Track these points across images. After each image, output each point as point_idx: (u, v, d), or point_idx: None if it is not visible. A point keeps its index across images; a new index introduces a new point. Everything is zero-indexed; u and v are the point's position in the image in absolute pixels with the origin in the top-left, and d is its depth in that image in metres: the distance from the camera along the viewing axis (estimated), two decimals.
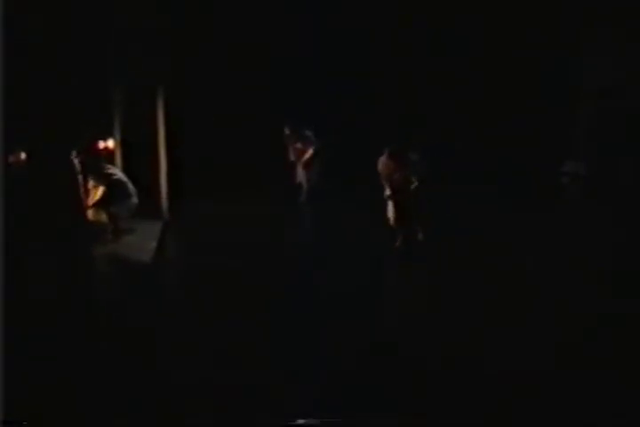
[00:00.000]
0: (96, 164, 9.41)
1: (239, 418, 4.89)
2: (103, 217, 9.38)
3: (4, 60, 8.10)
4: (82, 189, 9.65)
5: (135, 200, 9.59)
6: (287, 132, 10.52)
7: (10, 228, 7.34)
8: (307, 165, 10.36)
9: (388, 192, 8.19)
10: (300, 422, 4.75)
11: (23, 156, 9.90)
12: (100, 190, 9.29)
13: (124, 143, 10.56)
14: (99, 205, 9.32)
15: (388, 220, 8.35)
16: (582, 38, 11.50)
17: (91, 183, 9.38)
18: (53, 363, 5.71)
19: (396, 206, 8.19)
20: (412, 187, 8.07)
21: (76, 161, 9.21)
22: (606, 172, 10.83)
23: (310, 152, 10.35)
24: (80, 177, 9.61)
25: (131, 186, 9.58)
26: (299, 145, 10.45)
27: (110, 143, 9.91)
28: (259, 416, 4.86)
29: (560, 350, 5.97)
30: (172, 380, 5.51)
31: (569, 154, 11.21)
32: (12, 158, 9.70)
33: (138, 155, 10.48)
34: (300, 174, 10.47)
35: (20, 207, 8.57)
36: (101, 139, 10.43)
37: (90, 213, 9.29)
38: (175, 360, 5.86)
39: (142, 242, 9.49)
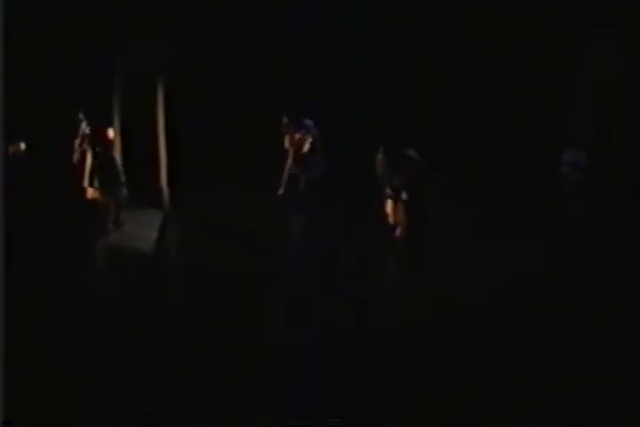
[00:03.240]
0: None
1: (239, 418, 4.91)
2: (100, 196, 9.38)
3: (4, 53, 8.10)
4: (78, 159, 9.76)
5: (125, 191, 9.58)
6: (285, 120, 10.46)
7: (11, 219, 7.37)
8: (304, 156, 10.31)
9: (388, 191, 8.12)
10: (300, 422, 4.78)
11: (23, 146, 9.94)
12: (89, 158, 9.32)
13: (123, 133, 10.54)
14: (93, 176, 9.30)
15: (386, 215, 8.31)
16: (582, 26, 11.44)
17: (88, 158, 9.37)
18: (54, 356, 5.72)
19: (396, 204, 8.14)
20: (412, 185, 7.98)
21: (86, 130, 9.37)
22: (606, 161, 10.84)
23: (309, 142, 10.30)
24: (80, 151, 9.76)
25: (122, 177, 9.58)
26: (297, 135, 10.39)
27: (110, 133, 9.89)
28: (258, 416, 4.88)
29: (573, 352, 5.94)
30: (173, 374, 5.52)
31: (569, 143, 11.19)
32: (11, 149, 9.74)
33: (138, 145, 10.46)
34: (297, 165, 10.43)
35: (21, 198, 8.61)
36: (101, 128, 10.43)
37: (89, 192, 9.32)
38: (175, 353, 5.86)
39: (143, 232, 9.51)
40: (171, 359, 5.69)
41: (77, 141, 10.07)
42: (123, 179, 9.44)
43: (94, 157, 9.21)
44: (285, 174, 10.58)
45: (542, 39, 11.36)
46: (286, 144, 10.56)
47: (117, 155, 9.97)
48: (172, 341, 6.06)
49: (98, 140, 9.32)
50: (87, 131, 9.67)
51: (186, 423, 4.83)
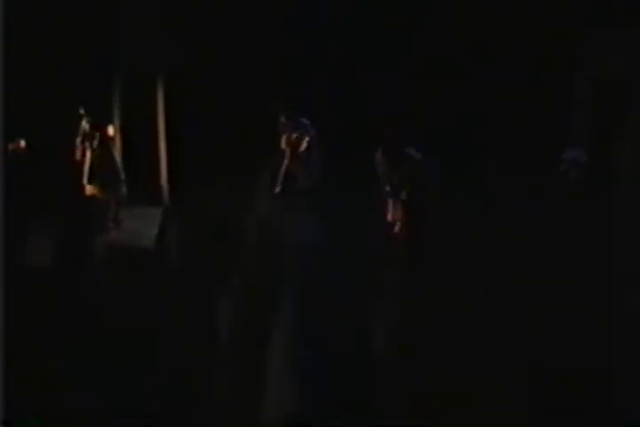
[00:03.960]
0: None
1: (239, 418, 4.91)
2: (100, 193, 9.40)
3: (4, 50, 8.11)
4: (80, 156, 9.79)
5: (124, 188, 9.59)
6: (283, 119, 10.44)
7: (11, 218, 7.38)
8: (302, 156, 10.29)
9: (387, 189, 8.13)
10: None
11: (23, 144, 9.95)
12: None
13: (123, 130, 10.55)
14: (92, 174, 9.34)
15: (385, 212, 8.33)
16: (582, 26, 11.44)
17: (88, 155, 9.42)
18: (54, 355, 5.72)
19: (396, 203, 8.15)
20: (412, 185, 7.99)
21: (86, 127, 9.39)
22: (606, 161, 10.82)
23: (306, 142, 10.27)
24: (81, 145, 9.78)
25: (122, 175, 9.59)
26: (294, 134, 10.37)
27: (110, 130, 9.91)
28: (259, 416, 4.88)
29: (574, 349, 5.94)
30: (173, 374, 5.52)
31: (569, 143, 11.18)
32: (11, 146, 9.75)
33: (138, 143, 10.47)
34: (294, 165, 10.40)
35: (21, 195, 8.62)
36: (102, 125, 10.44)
37: (88, 189, 9.34)
38: (175, 353, 5.86)
39: (143, 229, 9.51)
40: (170, 359, 5.69)
41: (79, 139, 10.08)
42: (123, 176, 9.46)
43: (94, 154, 9.24)
44: (282, 173, 10.58)
45: (542, 39, 11.36)
46: (283, 143, 10.55)
47: (117, 152, 9.99)
48: (171, 340, 6.06)
49: (98, 137, 9.35)
50: (87, 128, 9.69)
51: (186, 423, 4.84)
